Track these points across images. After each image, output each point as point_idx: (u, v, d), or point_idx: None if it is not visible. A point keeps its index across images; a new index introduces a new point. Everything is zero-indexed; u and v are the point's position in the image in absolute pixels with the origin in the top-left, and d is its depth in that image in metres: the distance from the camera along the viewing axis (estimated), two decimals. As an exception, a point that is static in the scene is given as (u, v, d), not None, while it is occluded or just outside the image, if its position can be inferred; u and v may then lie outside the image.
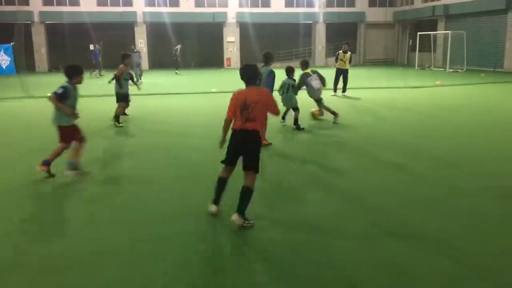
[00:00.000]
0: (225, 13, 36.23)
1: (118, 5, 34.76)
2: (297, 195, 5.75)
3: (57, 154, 6.46)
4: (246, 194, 4.61)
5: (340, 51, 16.10)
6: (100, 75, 25.47)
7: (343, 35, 35.80)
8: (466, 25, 30.70)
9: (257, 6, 36.95)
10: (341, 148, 8.38)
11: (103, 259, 4.05)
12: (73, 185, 6.22)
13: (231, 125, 4.84)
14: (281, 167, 7.11)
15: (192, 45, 36.66)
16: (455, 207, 5.22)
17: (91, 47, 34.11)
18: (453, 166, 6.97)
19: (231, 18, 36.56)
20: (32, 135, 9.72)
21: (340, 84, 16.07)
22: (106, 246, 4.32)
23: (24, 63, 31.04)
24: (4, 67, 17.71)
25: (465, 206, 5.24)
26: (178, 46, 29.73)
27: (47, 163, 6.41)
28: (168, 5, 35.33)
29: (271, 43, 37.46)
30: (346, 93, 16.01)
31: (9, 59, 17.97)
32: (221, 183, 4.88)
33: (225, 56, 37.32)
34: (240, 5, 36.58)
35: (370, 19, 38.87)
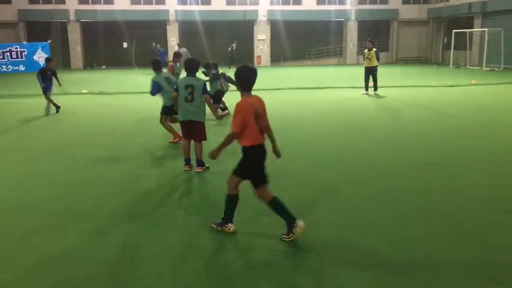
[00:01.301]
0: (256, 11, 36.26)
1: (151, 4, 35.27)
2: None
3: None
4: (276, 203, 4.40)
5: (366, 50, 15.93)
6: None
7: (375, 32, 35.29)
8: (503, 23, 29.74)
9: (288, 4, 36.82)
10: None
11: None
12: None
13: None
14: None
15: (222, 43, 36.84)
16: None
17: (125, 45, 34.84)
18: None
19: (262, 16, 36.56)
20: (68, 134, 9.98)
21: (371, 83, 15.88)
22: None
23: (60, 60, 31.99)
24: (41, 64, 18.18)
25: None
26: (234, 44, 30.17)
27: (201, 164, 6.75)
28: (200, 3, 35.63)
29: (301, 41, 37.37)
30: (377, 92, 15.79)
31: (47, 56, 18.46)
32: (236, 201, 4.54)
33: (255, 54, 37.36)
34: (271, 3, 36.52)
35: (403, 16, 38.15)
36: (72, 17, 34.36)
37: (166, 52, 27.72)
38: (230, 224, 4.57)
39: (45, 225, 4.83)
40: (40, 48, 18.64)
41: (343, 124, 10.58)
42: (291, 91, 17.21)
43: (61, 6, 34.00)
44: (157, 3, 35.33)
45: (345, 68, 31.39)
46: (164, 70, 8.96)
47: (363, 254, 4.05)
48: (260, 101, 4.35)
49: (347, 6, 37.20)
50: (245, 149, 4.24)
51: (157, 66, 8.46)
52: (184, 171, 6.75)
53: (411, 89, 17.43)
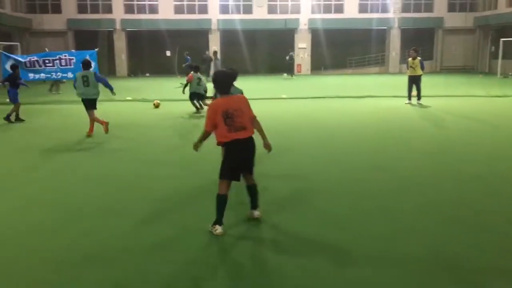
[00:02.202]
0: (297, 20, 36.31)
1: (194, 13, 35.96)
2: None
3: None
4: (256, 189, 4.91)
5: (410, 58, 15.62)
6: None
7: (419, 41, 34.52)
8: (556, 31, 28.48)
9: (329, 12, 36.67)
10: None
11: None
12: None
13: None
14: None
15: (262, 51, 37.11)
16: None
17: (168, 53, 35.63)
18: None
19: (303, 25, 36.56)
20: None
21: (415, 92, 15.54)
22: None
23: (106, 68, 33.05)
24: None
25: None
26: (292, 53, 30.62)
27: None
28: (241, 12, 36.02)
29: (343, 49, 37.10)
30: (421, 101, 15.42)
31: (94, 64, 19.06)
32: (226, 201, 4.67)
33: (295, 62, 37.36)
34: (313, 12, 36.48)
35: (448, 24, 37.21)
36: (118, 26, 35.49)
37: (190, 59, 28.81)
38: (217, 226, 4.66)
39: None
40: (88, 56, 19.26)
41: (385, 133, 10.39)
42: (331, 100, 17.05)
43: (108, 16, 35.21)
44: (200, 12, 35.99)
45: (387, 77, 30.86)
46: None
47: (408, 265, 3.95)
48: (236, 101, 4.65)
49: (390, 14, 36.65)
50: (219, 146, 4.72)
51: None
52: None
53: (456, 99, 16.92)
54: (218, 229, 4.62)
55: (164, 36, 35.11)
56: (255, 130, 4.74)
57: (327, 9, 36.73)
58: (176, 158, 8.22)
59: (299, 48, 37.15)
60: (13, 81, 12.84)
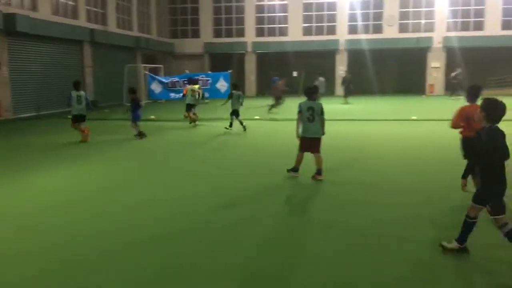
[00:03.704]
0: (430, 38, 34.57)
1: (322, 34, 36.29)
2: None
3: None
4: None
5: None
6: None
7: None
8: None
9: (467, 29, 34.29)
10: None
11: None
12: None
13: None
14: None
15: (390, 71, 35.89)
16: None
17: (294, 73, 36.36)
18: None
19: (437, 43, 34.66)
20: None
21: None
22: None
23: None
24: (222, 91, 20.11)
25: None
26: (459, 70, 29.42)
27: (319, 172, 8.19)
28: (370, 32, 35.44)
29: (481, 68, 34.21)
30: None
31: (227, 85, 20.31)
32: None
33: (427, 82, 35.49)
34: (448, 29, 34.45)
35: None
36: (249, 48, 37.27)
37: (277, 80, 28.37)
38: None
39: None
40: (222, 77, 20.61)
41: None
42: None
43: (241, 39, 37.20)
44: (328, 33, 36.20)
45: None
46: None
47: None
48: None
49: (541, 30, 33.02)
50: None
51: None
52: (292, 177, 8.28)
53: None
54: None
55: (291, 57, 35.92)
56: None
57: (464, 26, 34.39)
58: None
59: (432, 67, 35.24)
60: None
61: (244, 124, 14.78)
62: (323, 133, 8.28)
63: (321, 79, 25.93)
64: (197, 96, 16.71)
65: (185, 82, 20.02)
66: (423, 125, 15.41)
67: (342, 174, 8.73)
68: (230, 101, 14.82)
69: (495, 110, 4.50)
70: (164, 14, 37.50)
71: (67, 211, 6.58)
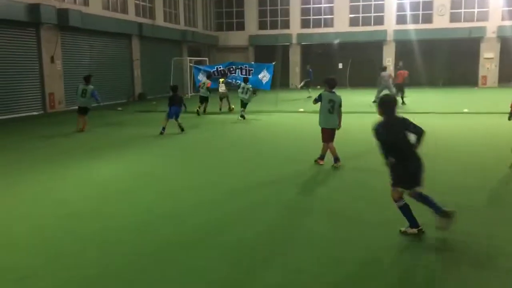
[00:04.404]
0: (483, 28, 33.08)
1: (370, 25, 35.46)
2: None
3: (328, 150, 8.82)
4: None
5: None
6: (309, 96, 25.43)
7: None
8: None
9: (524, 18, 32.58)
10: None
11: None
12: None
13: None
14: None
15: (441, 62, 34.61)
16: None
17: (340, 65, 35.79)
18: None
19: (491, 33, 33.10)
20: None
21: None
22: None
23: (278, 80, 34.66)
24: (263, 82, 20.08)
25: None
26: None
27: (322, 158, 8.84)
28: (420, 22, 34.30)
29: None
30: None
31: (269, 76, 20.26)
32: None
33: (480, 74, 34.03)
34: (503, 18, 32.83)
35: None
36: (294, 40, 36.99)
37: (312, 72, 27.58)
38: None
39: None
40: (265, 69, 20.58)
41: None
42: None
43: (286, 31, 36.97)
44: (375, 23, 35.33)
45: None
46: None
47: None
48: None
49: None
50: None
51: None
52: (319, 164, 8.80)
53: None
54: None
55: (337, 49, 35.32)
56: None
57: (521, 14, 32.69)
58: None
59: (485, 58, 33.75)
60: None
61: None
62: (339, 126, 8.71)
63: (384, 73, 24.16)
64: (205, 89, 18.09)
65: (231, 69, 20.21)
66: (475, 118, 14.87)
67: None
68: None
69: None
70: (209, 7, 37.82)
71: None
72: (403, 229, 5.20)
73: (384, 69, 21.70)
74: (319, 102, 8.64)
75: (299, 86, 20.62)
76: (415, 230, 5.13)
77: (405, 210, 5.14)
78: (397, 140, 5.02)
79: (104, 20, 23.27)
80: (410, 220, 5.14)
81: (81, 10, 21.20)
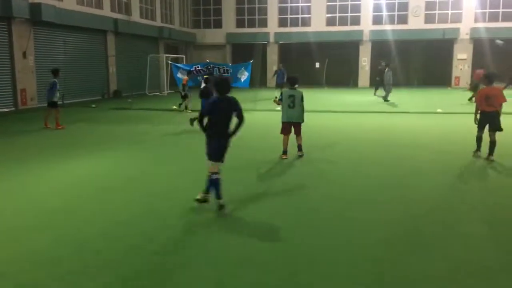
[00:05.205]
0: (457, 29, 33.74)
1: (346, 25, 35.73)
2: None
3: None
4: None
5: None
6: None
7: None
8: None
9: (496, 20, 33.34)
10: None
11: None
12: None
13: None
14: None
15: (415, 62, 35.22)
16: None
17: (317, 65, 35.99)
18: None
19: (464, 34, 33.81)
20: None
21: None
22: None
23: (257, 79, 34.66)
24: (242, 80, 20.10)
25: None
26: None
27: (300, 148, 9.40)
28: (396, 23, 34.75)
29: (510, 60, 33.34)
30: None
31: (247, 74, 20.27)
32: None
33: (453, 74, 34.72)
34: (476, 20, 33.53)
35: None
36: (272, 39, 37.01)
37: (285, 72, 25.99)
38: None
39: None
40: (243, 68, 20.56)
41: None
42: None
43: (263, 29, 36.96)
44: (352, 23, 35.65)
45: None
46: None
47: None
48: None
49: None
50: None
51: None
52: (282, 159, 9.11)
53: None
54: None
55: (314, 48, 35.49)
56: None
57: (493, 17, 33.45)
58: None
59: (458, 59, 34.46)
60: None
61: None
62: (302, 120, 9.32)
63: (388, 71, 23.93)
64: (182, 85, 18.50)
65: (210, 67, 20.02)
66: (449, 118, 15.10)
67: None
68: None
69: None
70: (186, 4, 37.50)
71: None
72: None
73: (389, 66, 22.33)
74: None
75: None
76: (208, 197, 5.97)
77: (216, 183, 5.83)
78: (221, 117, 5.74)
79: (78, 15, 22.81)
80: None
81: (55, 5, 20.72)
